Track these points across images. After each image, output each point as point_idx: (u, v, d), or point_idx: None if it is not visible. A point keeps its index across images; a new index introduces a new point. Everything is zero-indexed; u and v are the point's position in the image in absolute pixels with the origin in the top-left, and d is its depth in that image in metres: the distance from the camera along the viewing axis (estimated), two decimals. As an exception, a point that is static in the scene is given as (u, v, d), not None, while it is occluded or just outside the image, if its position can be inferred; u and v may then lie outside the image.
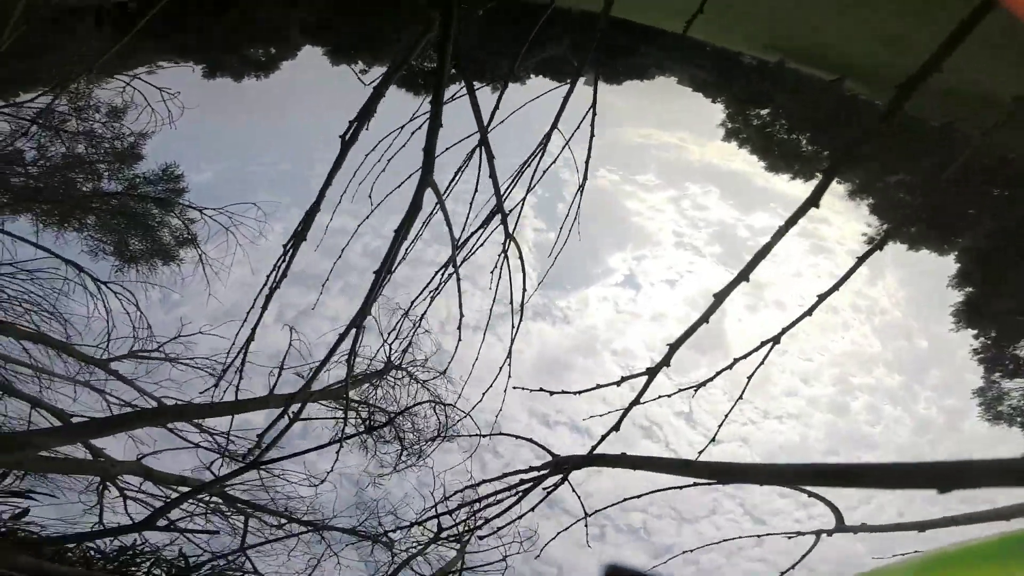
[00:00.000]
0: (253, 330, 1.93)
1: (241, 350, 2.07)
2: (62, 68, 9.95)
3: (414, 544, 6.87)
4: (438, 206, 1.80)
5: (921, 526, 1.56)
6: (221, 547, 6.19)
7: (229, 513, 6.81)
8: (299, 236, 1.85)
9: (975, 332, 14.99)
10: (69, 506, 6.30)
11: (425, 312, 2.32)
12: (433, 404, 7.86)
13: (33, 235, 8.69)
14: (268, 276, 1.93)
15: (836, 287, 1.32)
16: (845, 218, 21.01)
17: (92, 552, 4.50)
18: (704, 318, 1.28)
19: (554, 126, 1.98)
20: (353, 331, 1.99)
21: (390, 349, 2.69)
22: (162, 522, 4.81)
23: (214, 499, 6.66)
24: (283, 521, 6.98)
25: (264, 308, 1.90)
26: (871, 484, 1.07)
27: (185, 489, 6.42)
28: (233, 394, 2.59)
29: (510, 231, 1.99)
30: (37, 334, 7.55)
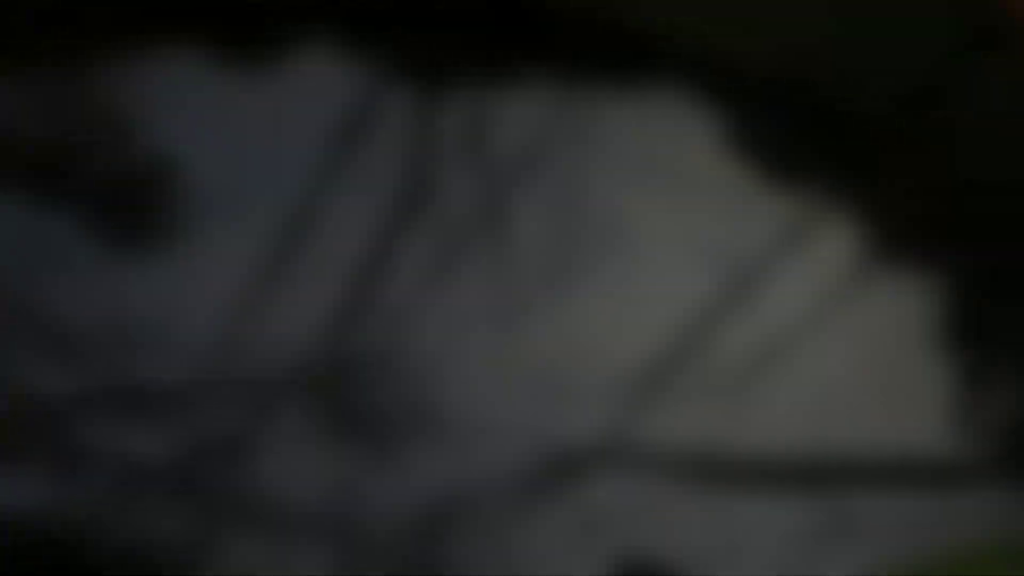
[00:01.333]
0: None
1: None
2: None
3: None
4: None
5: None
6: None
7: None
8: (282, 243, 1.79)
9: (961, 350, 15.53)
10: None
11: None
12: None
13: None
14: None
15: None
16: (839, 236, 21.47)
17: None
18: (711, 300, 1.22)
19: (544, 125, 1.94)
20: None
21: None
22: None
23: None
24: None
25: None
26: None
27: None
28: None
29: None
30: None
